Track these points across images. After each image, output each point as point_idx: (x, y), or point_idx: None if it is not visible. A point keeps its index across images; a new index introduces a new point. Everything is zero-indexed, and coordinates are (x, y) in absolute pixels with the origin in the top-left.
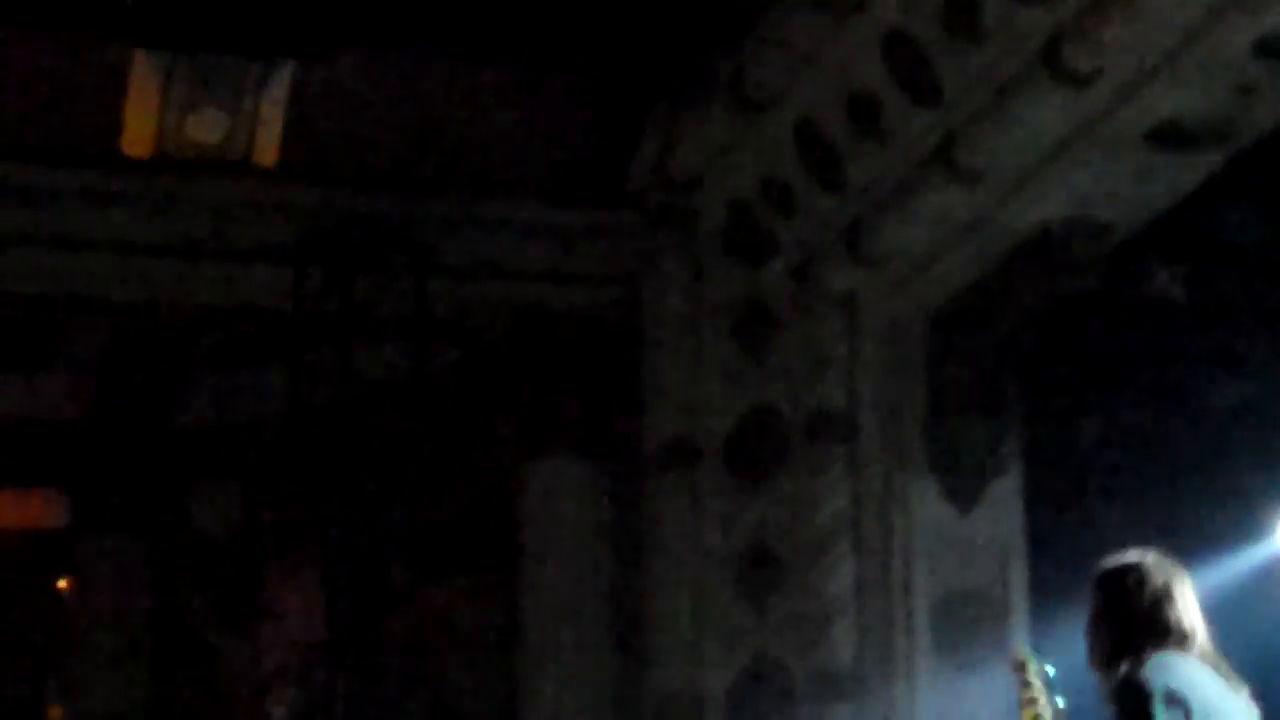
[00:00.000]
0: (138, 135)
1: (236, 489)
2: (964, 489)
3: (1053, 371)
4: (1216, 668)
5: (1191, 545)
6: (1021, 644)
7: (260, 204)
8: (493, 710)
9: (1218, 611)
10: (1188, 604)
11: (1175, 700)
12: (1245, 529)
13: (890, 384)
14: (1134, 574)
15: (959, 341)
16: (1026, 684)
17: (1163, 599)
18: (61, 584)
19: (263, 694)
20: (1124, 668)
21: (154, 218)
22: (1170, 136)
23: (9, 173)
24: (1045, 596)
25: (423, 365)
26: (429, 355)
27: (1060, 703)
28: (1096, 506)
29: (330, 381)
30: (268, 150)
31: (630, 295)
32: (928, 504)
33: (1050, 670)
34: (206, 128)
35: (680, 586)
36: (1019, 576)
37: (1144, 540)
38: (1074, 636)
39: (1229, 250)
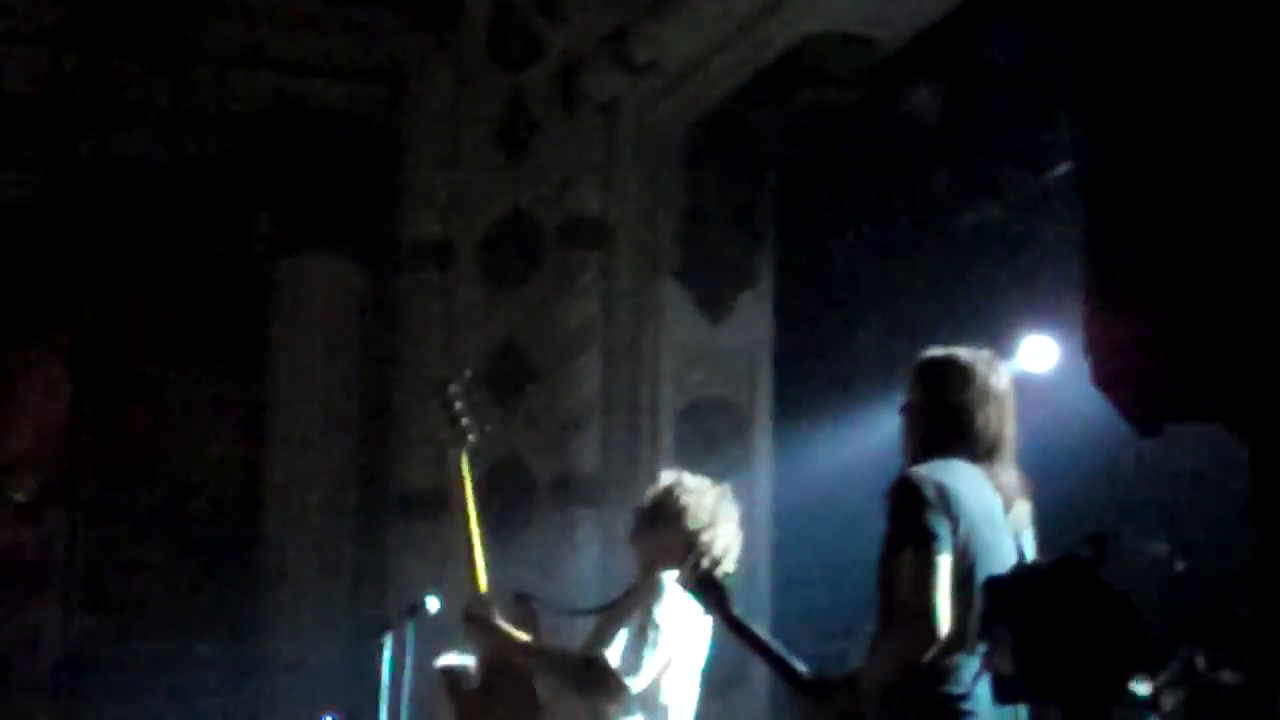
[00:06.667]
0: None
1: None
2: (715, 299)
3: (808, 185)
4: (1006, 488)
5: None
6: None
7: None
8: (235, 501)
9: None
10: (1004, 411)
11: (947, 508)
12: (988, 348)
13: (646, 192)
14: (957, 370)
15: (716, 152)
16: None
17: (978, 400)
18: None
19: (2, 478)
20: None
21: None
22: None
23: None
24: (790, 408)
25: (180, 154)
26: (187, 144)
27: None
28: (845, 322)
29: (86, 168)
30: None
31: (393, 93)
32: (679, 312)
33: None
34: None
35: (428, 384)
36: (765, 388)
37: (890, 359)
38: (814, 447)
39: (988, 71)
